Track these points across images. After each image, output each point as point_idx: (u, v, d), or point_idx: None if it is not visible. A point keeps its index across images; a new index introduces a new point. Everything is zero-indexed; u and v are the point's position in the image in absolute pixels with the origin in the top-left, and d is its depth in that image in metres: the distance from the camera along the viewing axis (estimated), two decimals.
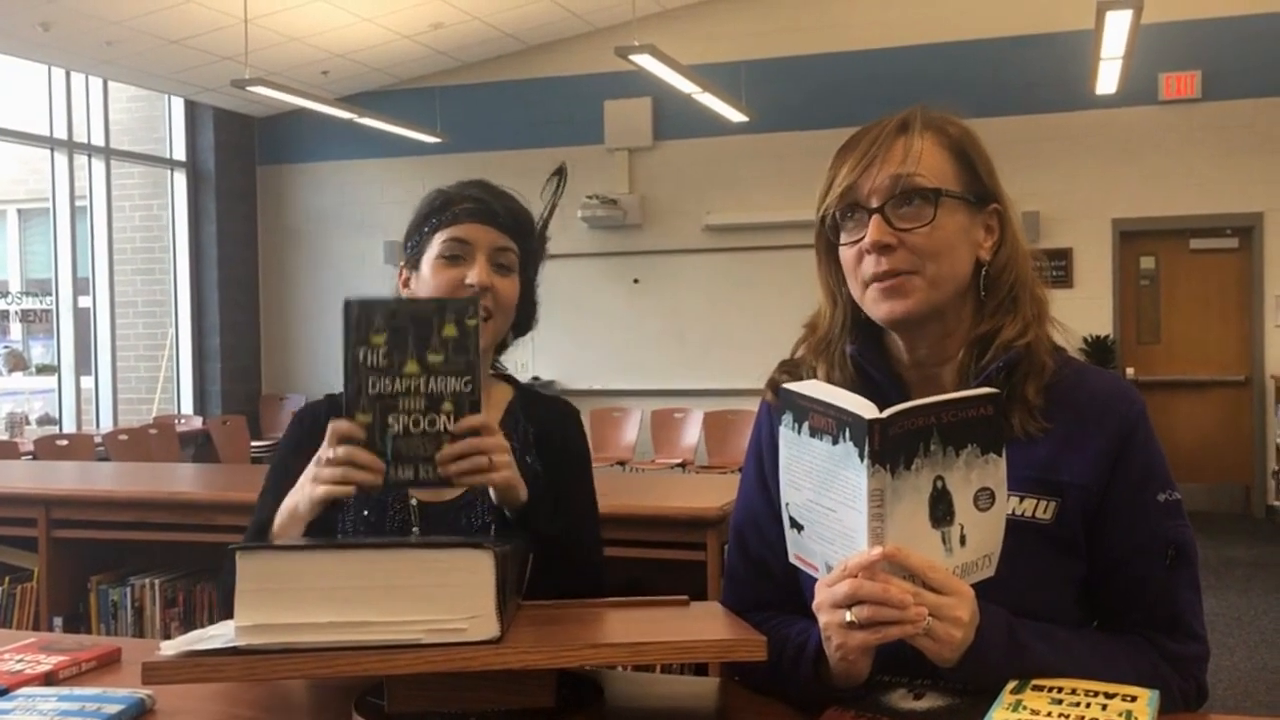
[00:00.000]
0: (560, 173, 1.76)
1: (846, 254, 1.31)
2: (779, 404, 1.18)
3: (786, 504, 1.18)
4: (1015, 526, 1.18)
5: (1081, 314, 8.28)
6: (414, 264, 1.61)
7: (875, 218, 1.26)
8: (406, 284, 1.63)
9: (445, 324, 1.33)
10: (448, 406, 1.33)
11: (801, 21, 9.09)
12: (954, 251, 1.29)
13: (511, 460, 1.39)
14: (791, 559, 1.20)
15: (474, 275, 1.54)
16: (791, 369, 1.40)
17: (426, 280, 1.57)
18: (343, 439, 1.32)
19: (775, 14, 9.14)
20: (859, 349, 1.33)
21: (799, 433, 1.15)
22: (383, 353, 1.32)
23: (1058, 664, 1.18)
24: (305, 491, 1.36)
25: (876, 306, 1.29)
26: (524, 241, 1.62)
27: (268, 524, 1.44)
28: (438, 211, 1.60)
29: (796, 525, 1.17)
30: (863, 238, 1.28)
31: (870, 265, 1.28)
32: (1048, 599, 1.26)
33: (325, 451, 1.33)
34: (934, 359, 1.33)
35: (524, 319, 1.68)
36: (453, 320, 1.33)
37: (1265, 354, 8.41)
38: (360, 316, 1.32)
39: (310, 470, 1.35)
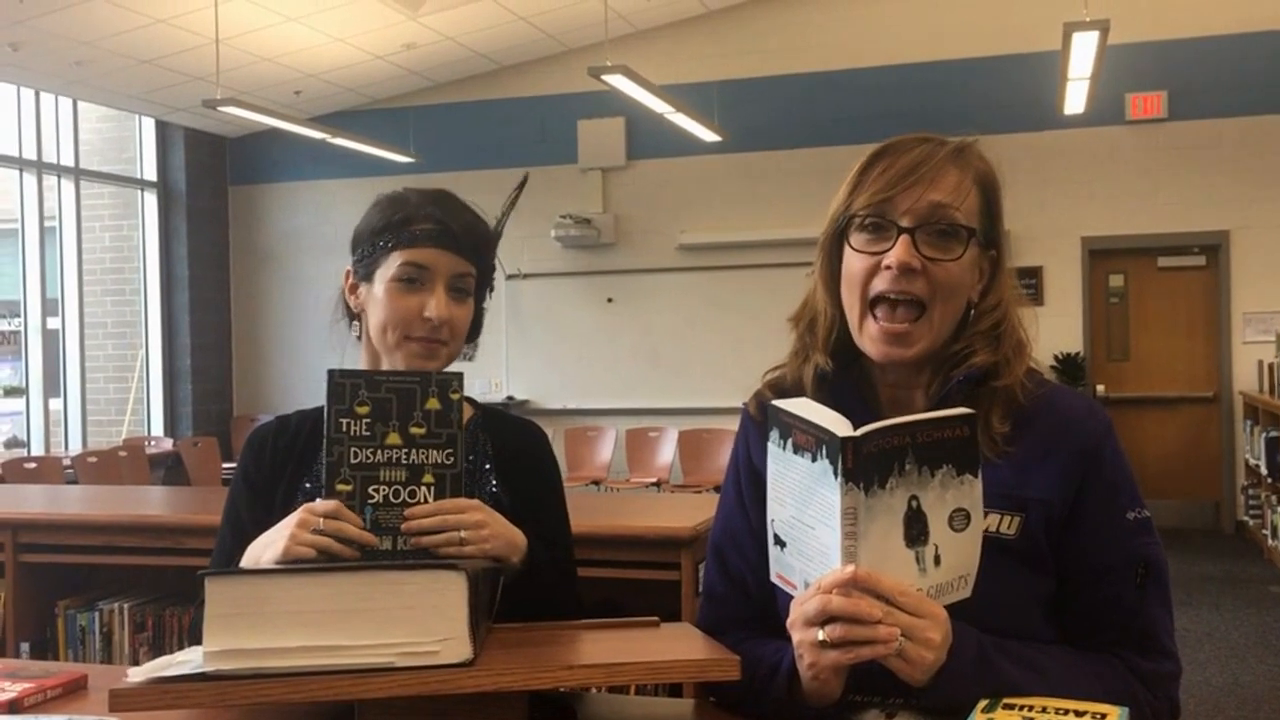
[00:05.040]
0: (523, 183, 1.77)
1: (857, 262, 1.29)
2: (768, 421, 1.18)
3: (772, 520, 1.18)
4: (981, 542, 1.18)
5: (1052, 332, 8.35)
6: (366, 276, 1.58)
7: (904, 238, 1.25)
8: (354, 291, 1.61)
9: (429, 397, 1.36)
10: (429, 479, 1.36)
11: (772, 43, 9.15)
12: (963, 291, 1.30)
13: (495, 532, 1.38)
14: (773, 577, 1.19)
15: (433, 309, 1.52)
16: (775, 383, 1.40)
17: (380, 300, 1.55)
18: (332, 515, 1.32)
19: (747, 35, 9.19)
20: (834, 370, 1.33)
21: (784, 449, 1.15)
22: (365, 423, 1.35)
23: (1029, 683, 1.18)
24: (279, 548, 1.32)
25: (875, 345, 1.28)
26: (482, 260, 1.60)
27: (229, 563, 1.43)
28: (395, 228, 1.55)
29: (780, 542, 1.17)
30: (883, 251, 1.26)
31: (884, 282, 1.26)
32: (1015, 615, 1.25)
33: (312, 519, 1.32)
34: (907, 383, 1.34)
35: (472, 331, 1.65)
36: (436, 393, 1.37)
37: (1233, 370, 8.50)
38: (344, 387, 1.35)
39: (289, 529, 1.33)
